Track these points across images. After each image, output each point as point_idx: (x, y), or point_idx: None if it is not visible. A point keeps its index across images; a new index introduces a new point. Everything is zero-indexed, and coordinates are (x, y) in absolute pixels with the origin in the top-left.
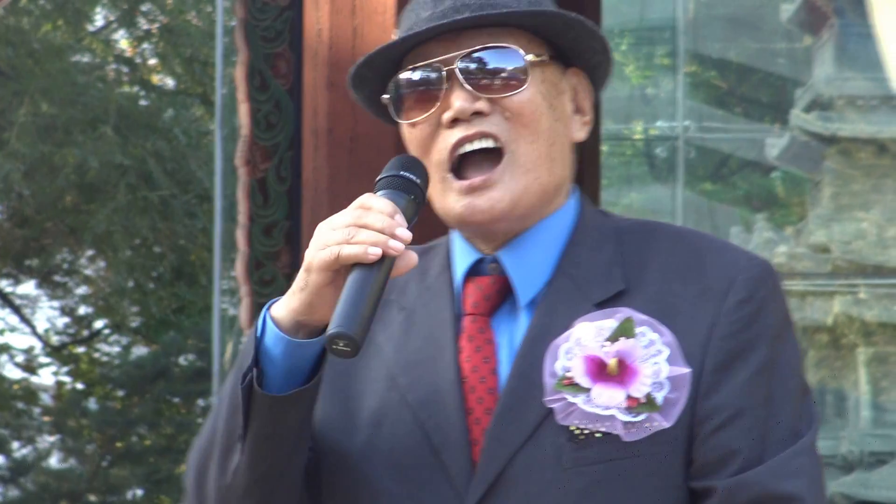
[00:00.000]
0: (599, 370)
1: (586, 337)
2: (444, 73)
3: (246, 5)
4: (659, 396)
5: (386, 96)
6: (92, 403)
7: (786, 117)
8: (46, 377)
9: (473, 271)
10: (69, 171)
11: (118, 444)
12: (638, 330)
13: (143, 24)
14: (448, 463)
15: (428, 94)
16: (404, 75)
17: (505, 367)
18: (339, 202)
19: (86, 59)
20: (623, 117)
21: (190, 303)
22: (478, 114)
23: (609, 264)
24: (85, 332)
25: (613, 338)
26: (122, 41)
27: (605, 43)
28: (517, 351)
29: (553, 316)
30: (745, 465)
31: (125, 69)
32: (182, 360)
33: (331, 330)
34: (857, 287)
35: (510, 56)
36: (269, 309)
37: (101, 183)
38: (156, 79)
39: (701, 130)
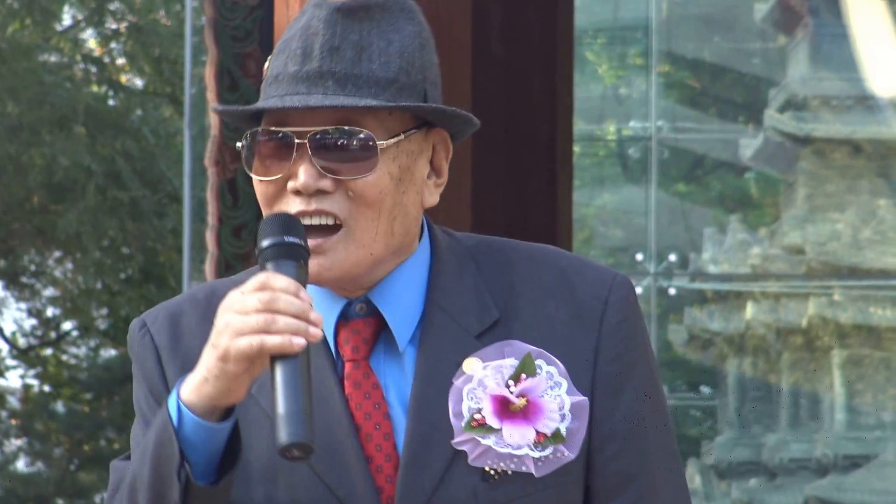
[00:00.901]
0: (505, 409)
1: (488, 377)
2: (295, 142)
3: (215, 4)
4: (562, 428)
5: (239, 144)
6: (59, 406)
7: (760, 117)
8: (13, 380)
9: (342, 315)
10: (37, 171)
11: (86, 448)
12: (536, 363)
13: (112, 23)
14: None
15: (277, 157)
16: (259, 134)
17: (397, 411)
18: None
19: (53, 58)
20: (596, 118)
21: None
22: (320, 191)
23: (478, 291)
24: (53, 335)
25: (516, 376)
26: (91, 41)
27: (466, 117)
28: (410, 394)
29: (437, 355)
30: (642, 489)
31: (93, 69)
32: None
33: (284, 441)
34: (831, 289)
35: (362, 140)
36: (178, 397)
37: (69, 183)
38: (124, 78)
39: (674, 131)
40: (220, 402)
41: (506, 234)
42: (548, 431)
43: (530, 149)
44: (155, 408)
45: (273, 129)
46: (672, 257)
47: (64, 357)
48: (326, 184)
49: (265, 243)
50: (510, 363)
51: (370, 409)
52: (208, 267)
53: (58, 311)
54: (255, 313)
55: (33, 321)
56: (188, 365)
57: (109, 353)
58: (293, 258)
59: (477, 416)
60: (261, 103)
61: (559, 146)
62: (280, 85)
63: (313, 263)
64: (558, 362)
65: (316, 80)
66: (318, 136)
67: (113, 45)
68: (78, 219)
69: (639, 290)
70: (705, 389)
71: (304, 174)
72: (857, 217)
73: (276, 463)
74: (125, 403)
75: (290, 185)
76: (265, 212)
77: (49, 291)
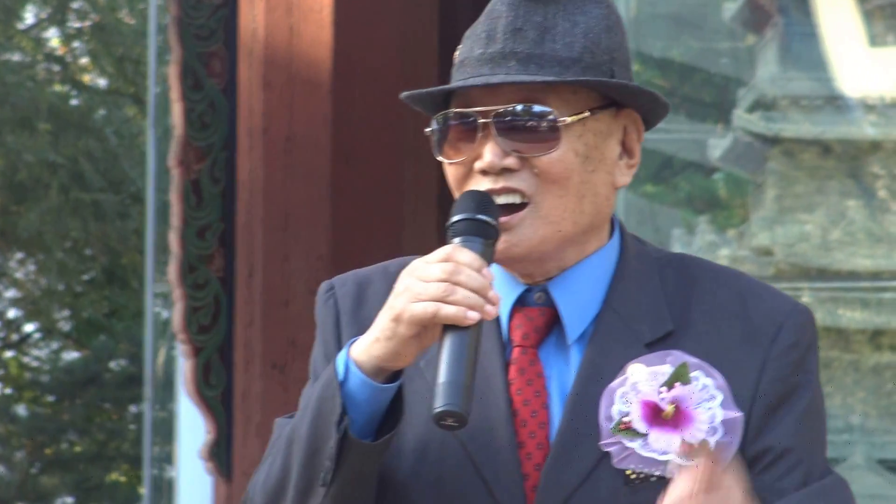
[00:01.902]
0: (655, 415)
1: (642, 382)
2: (479, 123)
3: (179, 3)
4: (712, 441)
5: (428, 129)
6: (21, 409)
7: (729, 117)
8: None
9: (519, 301)
10: None
11: (48, 451)
12: (692, 374)
13: (75, 21)
14: (500, 496)
15: (464, 139)
16: (446, 116)
17: (556, 402)
18: (274, 203)
19: (16, 57)
20: None
21: (122, 307)
22: (506, 169)
23: (656, 302)
24: (14, 337)
25: (669, 383)
26: (53, 39)
27: (653, 95)
28: (571, 389)
29: (605, 356)
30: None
31: (56, 68)
32: (113, 366)
33: (439, 407)
34: (800, 290)
35: (545, 117)
36: (349, 353)
37: (31, 183)
38: (87, 78)
39: None
40: (387, 364)
41: None
42: (695, 442)
43: None
44: None
45: (458, 111)
46: None
47: (26, 359)
48: (511, 161)
49: (456, 217)
50: (666, 370)
51: (530, 397)
52: (172, 269)
53: (20, 313)
54: (436, 281)
55: None
56: (365, 332)
57: (72, 355)
58: (482, 235)
59: (625, 420)
60: (446, 85)
61: None
62: (465, 69)
63: (501, 240)
64: (717, 375)
65: (500, 60)
66: (502, 114)
67: (76, 44)
68: (40, 219)
69: None
70: None
71: (489, 153)
72: (827, 218)
73: (428, 436)
74: (88, 406)
75: (477, 165)
76: (456, 195)
77: (11, 293)
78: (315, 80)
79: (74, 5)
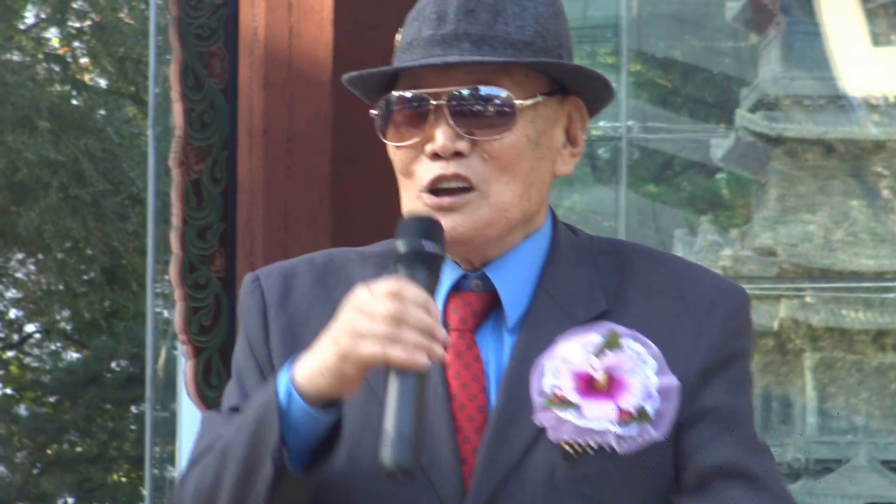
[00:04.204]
0: (588, 385)
1: (572, 353)
2: (431, 105)
3: (180, 3)
4: (649, 408)
5: (374, 112)
6: (22, 410)
7: (731, 117)
8: None
9: (455, 286)
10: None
11: (49, 452)
12: (623, 342)
13: (75, 21)
14: (438, 483)
15: (414, 122)
16: (394, 98)
17: (493, 386)
18: (274, 203)
19: (16, 57)
20: None
21: (122, 307)
22: (457, 153)
23: (590, 284)
24: (15, 337)
25: (600, 352)
26: (54, 39)
27: (605, 81)
28: (505, 371)
29: (540, 337)
30: (743, 476)
31: (56, 68)
32: (114, 366)
33: (388, 462)
34: (803, 291)
35: (500, 99)
36: (291, 381)
37: (31, 182)
38: (87, 78)
39: (645, 131)
40: (330, 395)
41: None
42: (632, 409)
43: None
44: (252, 365)
45: (408, 93)
46: None
47: (27, 360)
48: (463, 145)
49: (402, 248)
50: (595, 339)
51: (468, 380)
52: (172, 269)
53: (20, 313)
54: (383, 321)
55: None
56: (293, 324)
57: (72, 355)
58: (427, 266)
59: (558, 392)
60: (397, 65)
61: None
62: (414, 50)
63: (446, 220)
64: (650, 343)
65: (452, 41)
66: (456, 95)
67: (76, 44)
68: (40, 218)
69: None
70: None
71: (441, 136)
72: (830, 218)
73: (365, 423)
74: (88, 406)
75: (429, 148)
76: (402, 183)
77: (12, 293)
78: (316, 80)
79: (75, 5)
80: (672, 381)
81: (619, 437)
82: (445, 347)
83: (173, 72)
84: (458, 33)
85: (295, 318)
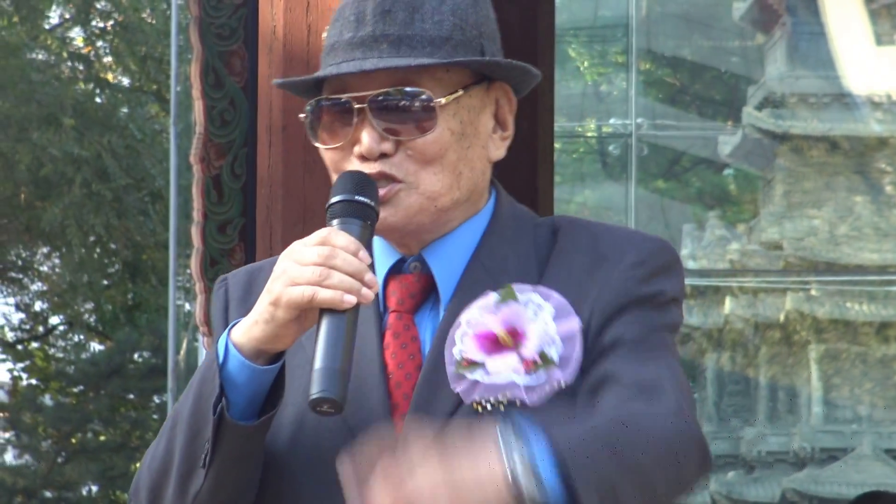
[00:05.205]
0: (492, 343)
1: (473, 316)
2: (356, 108)
3: (200, 3)
4: (552, 352)
5: (302, 115)
6: (47, 400)
7: (738, 115)
8: (2, 373)
9: (395, 269)
10: (25, 167)
11: (73, 441)
12: (518, 294)
13: (98, 21)
14: None
15: (339, 124)
16: (320, 103)
17: None
18: (293, 199)
19: (41, 56)
20: (576, 115)
21: (144, 300)
22: (384, 154)
23: (525, 258)
24: (40, 329)
25: (496, 307)
26: (78, 39)
27: (524, 68)
28: (431, 345)
29: (463, 308)
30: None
31: (80, 66)
32: (137, 357)
33: (315, 394)
34: (808, 284)
35: (421, 99)
36: (229, 336)
37: (56, 177)
38: (111, 76)
39: (654, 128)
40: (266, 347)
41: None
42: (535, 356)
43: (512, 145)
44: None
45: (333, 96)
46: None
47: (51, 351)
48: (388, 146)
49: (334, 199)
50: (492, 298)
51: (404, 360)
52: (193, 262)
53: (45, 306)
54: (312, 265)
55: (21, 315)
56: None
57: (96, 347)
58: (360, 217)
59: (465, 356)
60: (318, 72)
61: (540, 143)
62: (336, 53)
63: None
64: (553, 293)
65: (370, 44)
66: (378, 99)
67: (99, 43)
68: (62, 213)
69: None
70: None
71: (367, 138)
72: (835, 213)
73: (306, 407)
74: (112, 397)
75: (356, 149)
76: (333, 177)
77: (36, 286)
78: None
79: (98, 5)
80: (573, 324)
81: (527, 388)
82: (384, 317)
83: (194, 70)
84: (377, 35)
85: None
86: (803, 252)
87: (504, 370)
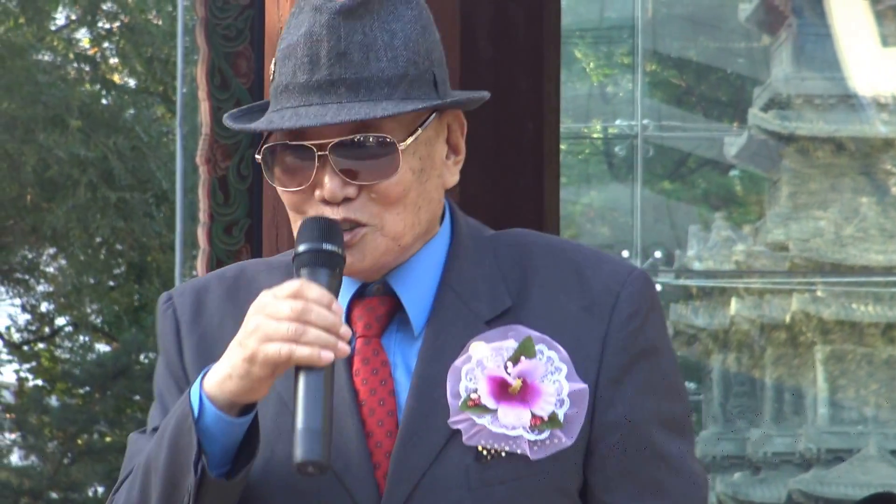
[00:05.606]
0: (503, 390)
1: (487, 358)
2: (316, 155)
3: (207, 4)
4: (560, 413)
5: (258, 156)
6: (53, 401)
7: (744, 116)
8: (8, 374)
9: (357, 294)
10: (31, 169)
11: (79, 442)
12: (536, 348)
13: (105, 22)
14: (352, 488)
15: (300, 168)
16: (277, 147)
17: (403, 389)
18: None
19: (47, 57)
20: (582, 116)
21: (151, 301)
22: (347, 198)
23: (493, 279)
24: (46, 330)
25: (515, 358)
26: (84, 40)
27: (477, 99)
28: (413, 372)
29: (446, 336)
30: (643, 485)
31: (86, 68)
32: (143, 358)
33: (301, 458)
34: (814, 285)
35: (383, 145)
36: (201, 387)
37: (62, 179)
38: (117, 78)
39: (660, 129)
40: (241, 400)
41: None
42: (544, 415)
43: (518, 147)
44: (170, 384)
45: (293, 142)
46: (657, 254)
47: (57, 352)
48: (351, 191)
49: (302, 248)
50: (510, 345)
51: (376, 385)
52: (200, 264)
53: (51, 307)
54: (287, 321)
55: (27, 316)
56: (205, 340)
57: (102, 348)
58: (328, 266)
59: (473, 396)
60: (277, 121)
61: (546, 144)
62: (291, 95)
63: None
64: (560, 348)
65: (328, 88)
66: (339, 145)
67: (106, 44)
68: (67, 215)
69: None
70: (690, 384)
71: (329, 184)
72: (840, 215)
73: (277, 432)
74: (118, 398)
75: (318, 194)
76: (293, 218)
77: (42, 287)
78: None
79: (104, 7)
80: (581, 386)
81: (531, 443)
82: (351, 344)
83: (200, 71)
84: (334, 79)
85: (207, 334)
86: (809, 253)
87: (515, 423)
